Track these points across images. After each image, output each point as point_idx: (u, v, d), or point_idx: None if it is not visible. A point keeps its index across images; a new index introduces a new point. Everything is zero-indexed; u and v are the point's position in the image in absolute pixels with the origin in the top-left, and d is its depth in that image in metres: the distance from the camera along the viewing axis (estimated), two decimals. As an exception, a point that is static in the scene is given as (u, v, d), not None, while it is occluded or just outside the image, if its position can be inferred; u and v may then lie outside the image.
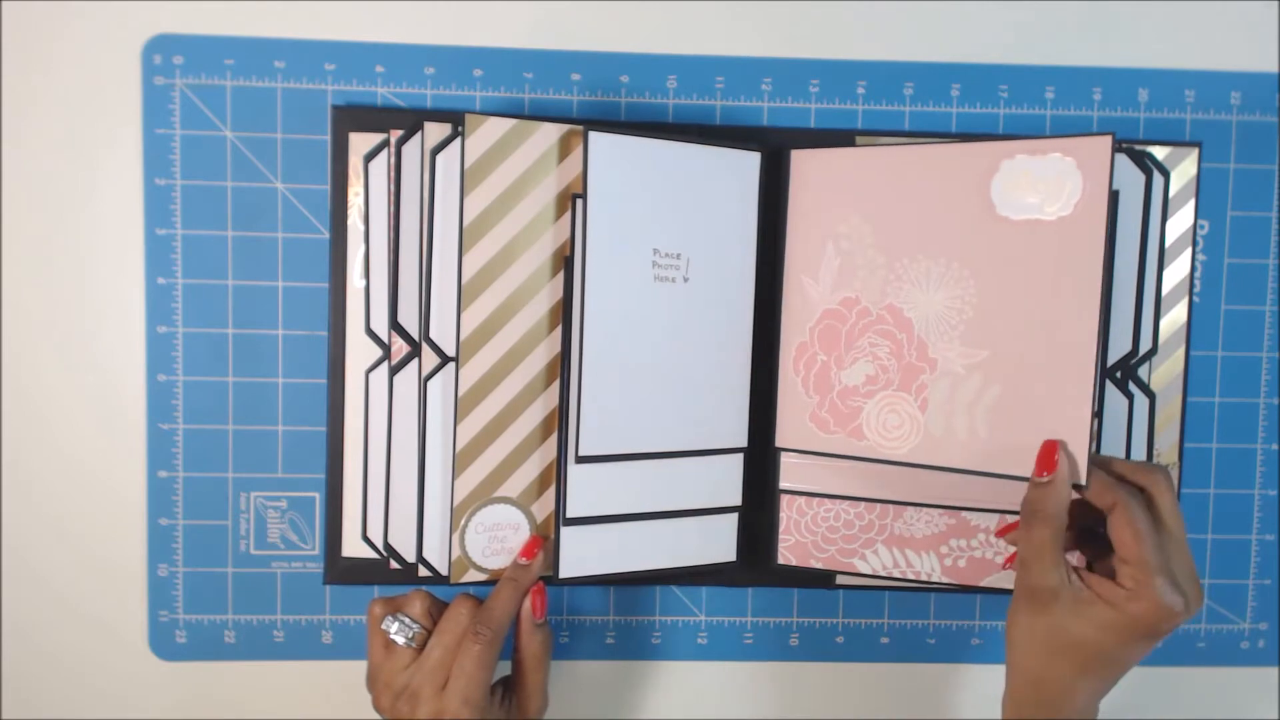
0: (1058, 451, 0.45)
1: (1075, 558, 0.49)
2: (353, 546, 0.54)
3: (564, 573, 0.51)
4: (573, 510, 0.51)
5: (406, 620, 0.49)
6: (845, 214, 0.51)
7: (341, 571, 0.55)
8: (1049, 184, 0.46)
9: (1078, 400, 0.46)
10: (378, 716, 0.50)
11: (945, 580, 0.53)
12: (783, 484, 0.54)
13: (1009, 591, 0.52)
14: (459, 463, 0.50)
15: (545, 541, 0.51)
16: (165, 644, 0.56)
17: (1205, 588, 0.58)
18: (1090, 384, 0.45)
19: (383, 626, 0.49)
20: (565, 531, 0.51)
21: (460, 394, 0.49)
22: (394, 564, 0.52)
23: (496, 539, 0.51)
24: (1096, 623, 0.43)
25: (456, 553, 0.50)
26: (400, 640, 0.49)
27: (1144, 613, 0.42)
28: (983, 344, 0.48)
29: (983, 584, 0.52)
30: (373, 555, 0.54)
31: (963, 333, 0.49)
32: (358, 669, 0.53)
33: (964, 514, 0.52)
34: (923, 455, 0.49)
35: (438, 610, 0.50)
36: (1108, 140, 0.45)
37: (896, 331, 0.50)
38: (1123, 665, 0.45)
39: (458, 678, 0.47)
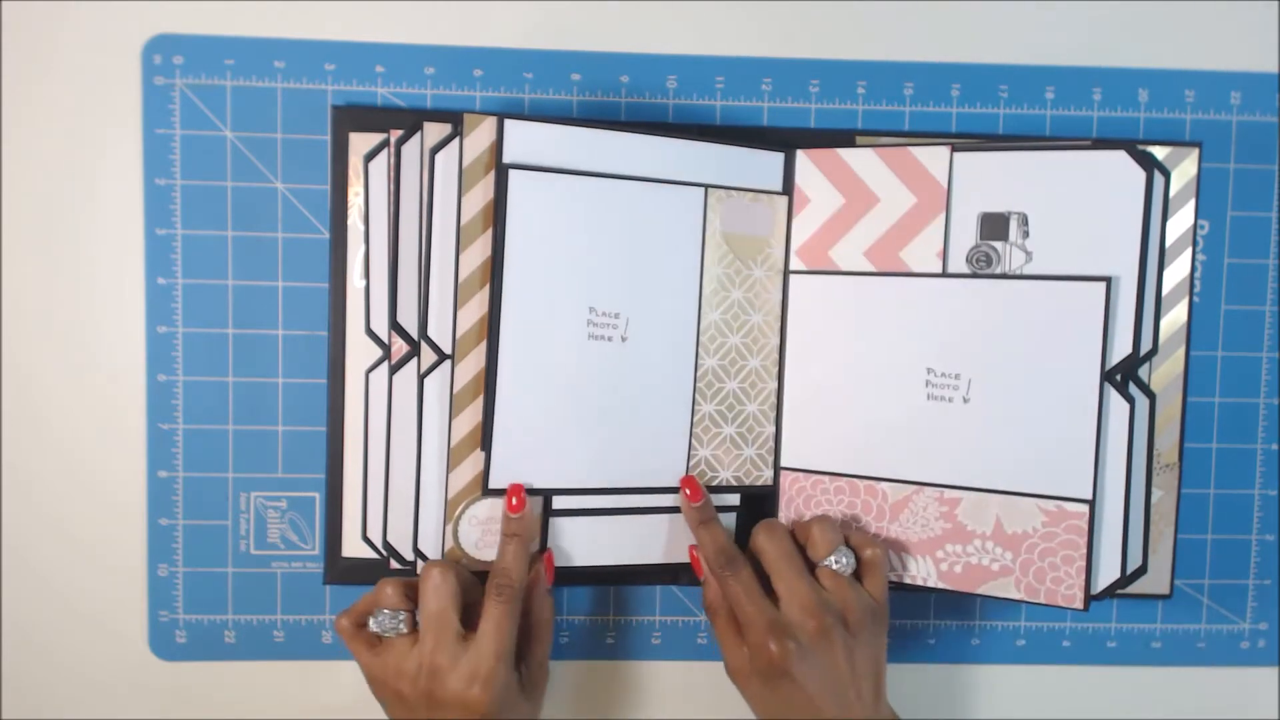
0: (697, 558, 0.52)
1: None
2: (353, 546, 0.54)
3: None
4: (558, 504, 0.52)
5: (389, 611, 0.49)
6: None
7: (341, 571, 0.55)
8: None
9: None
10: (379, 716, 0.50)
11: (941, 585, 0.52)
12: (784, 462, 0.54)
13: (1005, 599, 0.52)
14: (453, 457, 0.50)
15: (523, 490, 0.51)
16: (165, 644, 0.56)
17: (1205, 588, 0.58)
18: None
19: (371, 628, 0.49)
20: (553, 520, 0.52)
21: (455, 390, 0.50)
22: (394, 563, 0.52)
23: (490, 532, 0.51)
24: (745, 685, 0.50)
25: (450, 544, 0.51)
26: (392, 632, 0.49)
27: (748, 669, 0.49)
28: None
29: (979, 591, 0.52)
30: (373, 555, 0.54)
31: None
32: (358, 669, 0.53)
33: (960, 519, 0.52)
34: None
35: (411, 590, 0.50)
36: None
37: None
38: (768, 705, 0.49)
39: (485, 635, 0.47)
